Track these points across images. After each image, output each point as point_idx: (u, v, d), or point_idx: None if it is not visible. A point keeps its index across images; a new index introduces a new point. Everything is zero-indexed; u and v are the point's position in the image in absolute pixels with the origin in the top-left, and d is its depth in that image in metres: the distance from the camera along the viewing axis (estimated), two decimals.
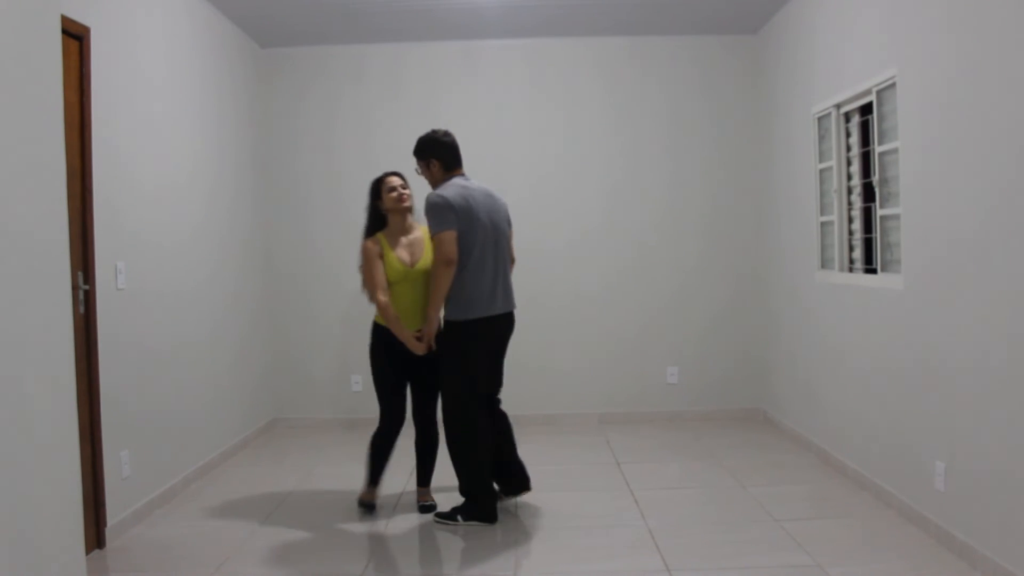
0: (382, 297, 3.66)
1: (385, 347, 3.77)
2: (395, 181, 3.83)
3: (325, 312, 5.75)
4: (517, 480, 3.86)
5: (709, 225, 5.78)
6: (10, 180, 2.05)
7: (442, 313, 3.69)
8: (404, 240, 3.80)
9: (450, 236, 3.48)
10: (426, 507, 3.85)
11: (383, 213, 3.82)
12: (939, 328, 3.28)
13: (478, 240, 3.58)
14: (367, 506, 3.88)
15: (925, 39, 3.37)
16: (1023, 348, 2.74)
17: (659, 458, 4.80)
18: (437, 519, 3.69)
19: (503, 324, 3.73)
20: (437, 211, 3.52)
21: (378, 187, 3.84)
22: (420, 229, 3.86)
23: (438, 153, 3.70)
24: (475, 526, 3.60)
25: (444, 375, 3.65)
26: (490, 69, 5.76)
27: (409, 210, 3.84)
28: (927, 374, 3.38)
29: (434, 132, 3.75)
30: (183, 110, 4.43)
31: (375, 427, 3.85)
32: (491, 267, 3.63)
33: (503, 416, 3.89)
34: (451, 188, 3.60)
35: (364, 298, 3.85)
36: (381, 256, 3.72)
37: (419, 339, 3.66)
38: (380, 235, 3.79)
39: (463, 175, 3.73)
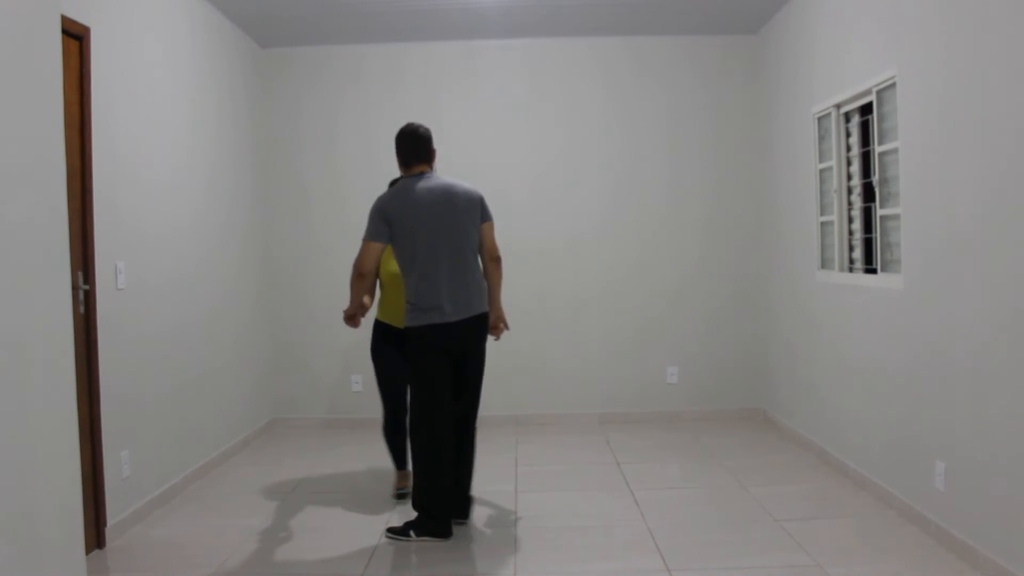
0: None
1: (383, 341, 3.95)
2: None
3: (325, 312, 5.74)
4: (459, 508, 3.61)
5: (709, 225, 5.78)
6: (10, 180, 2.05)
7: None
8: None
9: (369, 248, 3.37)
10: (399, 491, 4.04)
11: None
12: (939, 328, 3.28)
13: (422, 245, 3.37)
14: (403, 493, 3.96)
15: (925, 39, 3.37)
16: (1023, 348, 2.74)
17: (659, 458, 4.80)
18: (389, 535, 3.49)
19: (460, 331, 3.42)
20: (369, 217, 3.42)
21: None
22: None
23: (398, 147, 3.53)
24: (428, 542, 3.42)
25: (410, 382, 3.56)
26: (490, 69, 5.76)
27: None
28: (927, 374, 3.38)
29: (405, 125, 3.56)
30: (183, 110, 4.43)
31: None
32: (444, 272, 3.39)
33: (469, 443, 3.62)
34: (392, 192, 3.48)
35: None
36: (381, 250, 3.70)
37: (352, 320, 3.62)
38: None
39: (424, 173, 3.48)
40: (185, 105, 4.46)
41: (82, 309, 3.31)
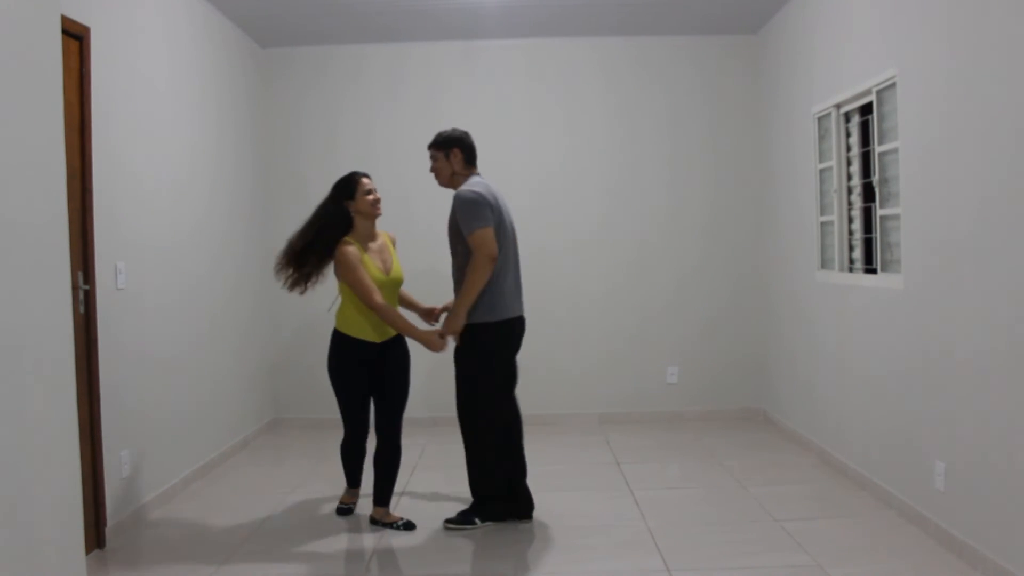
0: (380, 299, 3.47)
1: (354, 359, 3.61)
2: (371, 184, 3.65)
3: (325, 312, 5.73)
4: (521, 506, 3.72)
5: (709, 225, 5.78)
6: (10, 180, 2.05)
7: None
8: (373, 246, 3.65)
9: (491, 233, 3.39)
10: (388, 526, 3.62)
11: (350, 214, 3.62)
12: (939, 328, 3.28)
13: (505, 239, 3.51)
14: (344, 510, 3.84)
15: (925, 39, 3.37)
16: (1023, 348, 2.74)
17: (659, 458, 4.80)
18: (449, 526, 3.58)
19: (523, 325, 3.68)
20: (475, 207, 3.39)
21: (352, 186, 3.63)
22: (383, 236, 3.74)
23: (462, 145, 3.62)
24: (491, 526, 3.60)
25: (465, 376, 3.54)
26: (490, 69, 5.76)
27: (378, 216, 3.67)
28: (927, 374, 3.38)
29: (456, 130, 3.69)
30: (183, 110, 4.43)
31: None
32: (513, 268, 3.59)
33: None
34: (480, 185, 3.50)
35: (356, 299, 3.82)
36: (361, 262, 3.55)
37: (441, 336, 3.49)
38: (353, 240, 3.59)
39: (479, 174, 3.65)
40: (185, 105, 4.46)
41: (82, 309, 3.31)
